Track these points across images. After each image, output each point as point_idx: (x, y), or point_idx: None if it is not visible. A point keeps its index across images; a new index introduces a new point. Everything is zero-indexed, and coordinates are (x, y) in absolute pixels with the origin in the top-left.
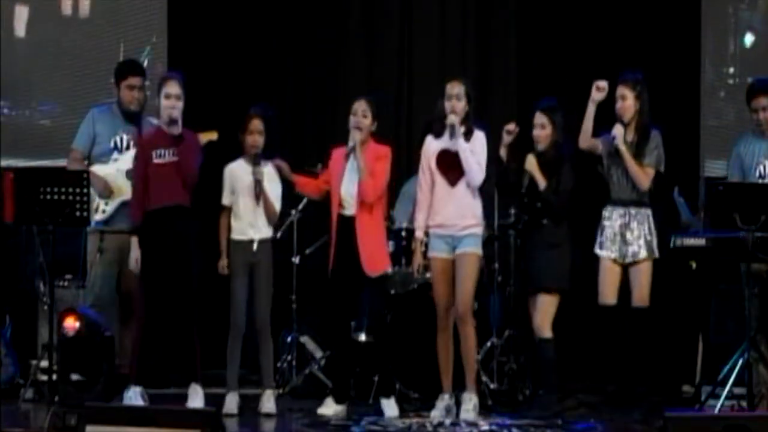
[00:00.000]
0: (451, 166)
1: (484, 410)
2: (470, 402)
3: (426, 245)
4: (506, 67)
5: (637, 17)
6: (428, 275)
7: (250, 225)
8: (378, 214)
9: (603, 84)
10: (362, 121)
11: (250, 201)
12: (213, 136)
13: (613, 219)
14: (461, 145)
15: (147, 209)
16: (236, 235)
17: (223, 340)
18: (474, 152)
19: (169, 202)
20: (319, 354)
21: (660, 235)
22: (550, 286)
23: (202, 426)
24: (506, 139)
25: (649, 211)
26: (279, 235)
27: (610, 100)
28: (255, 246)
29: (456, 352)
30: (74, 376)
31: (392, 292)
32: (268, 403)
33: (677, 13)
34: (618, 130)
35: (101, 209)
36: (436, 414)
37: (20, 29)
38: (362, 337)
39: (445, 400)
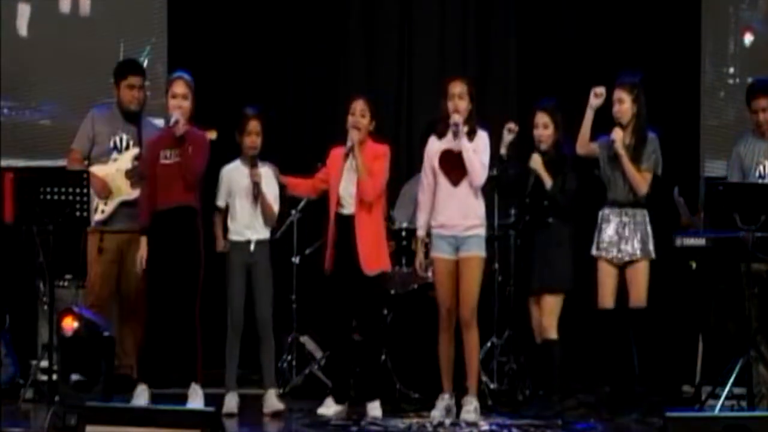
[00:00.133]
0: (453, 166)
1: (484, 410)
2: (471, 405)
3: (426, 245)
4: (506, 67)
5: (637, 17)
6: (429, 275)
7: (247, 226)
8: (377, 214)
9: (601, 90)
10: (360, 121)
11: (248, 203)
12: (212, 135)
13: (610, 221)
14: (464, 145)
15: (154, 210)
16: (233, 236)
17: (223, 340)
18: (477, 151)
19: (175, 202)
20: (319, 354)
21: (659, 235)
22: (556, 286)
23: (202, 426)
24: (507, 137)
25: (645, 212)
26: (279, 235)
27: (608, 103)
28: (252, 247)
29: (457, 352)
30: (74, 376)
31: (392, 292)
32: (272, 400)
33: (677, 13)
34: (617, 134)
35: (100, 209)
36: (436, 414)
37: (22, 28)
38: (356, 337)
39: (445, 400)
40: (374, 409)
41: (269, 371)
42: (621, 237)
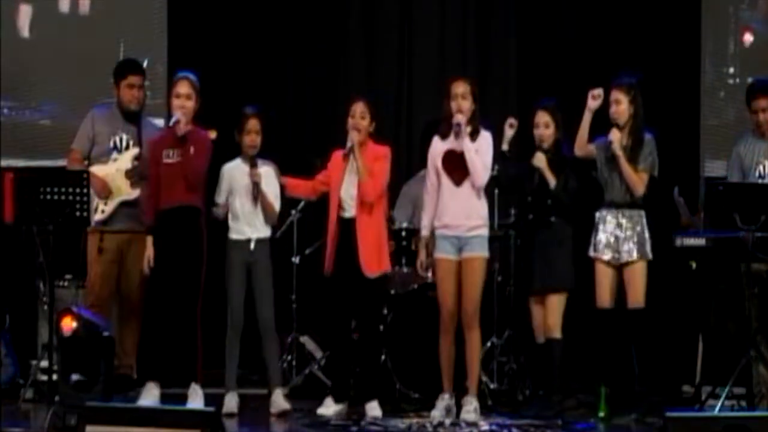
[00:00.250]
0: (456, 166)
1: (484, 410)
2: (471, 405)
3: (427, 246)
4: (506, 67)
5: (637, 17)
6: (429, 275)
7: (247, 224)
8: (378, 215)
9: (598, 92)
10: (360, 123)
11: (248, 201)
12: (212, 135)
13: (607, 222)
14: (466, 145)
15: (157, 209)
16: (234, 235)
17: (223, 340)
18: (480, 152)
19: (177, 202)
20: (319, 354)
21: (659, 235)
22: (560, 285)
23: (202, 426)
24: (509, 132)
25: (642, 213)
26: (279, 235)
27: (605, 104)
28: (252, 245)
29: (457, 352)
30: (74, 377)
31: (392, 292)
32: (279, 400)
33: (677, 13)
34: (615, 135)
35: (100, 209)
36: (436, 414)
37: (24, 29)
38: (356, 337)
39: (445, 400)
40: (374, 409)
41: (275, 370)
42: (618, 238)
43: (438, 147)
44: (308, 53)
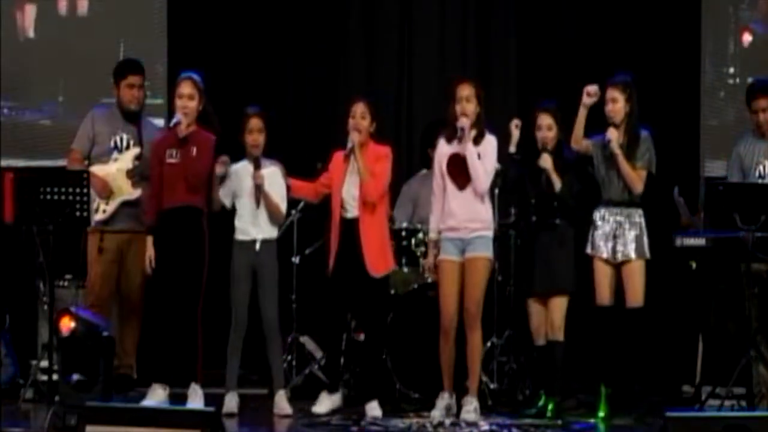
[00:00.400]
0: (460, 170)
1: (484, 410)
2: (471, 405)
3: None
4: (506, 67)
5: (637, 17)
6: (428, 276)
7: (252, 225)
8: (381, 215)
9: (592, 89)
10: (361, 123)
11: (251, 202)
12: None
13: (605, 220)
14: (469, 150)
15: (159, 209)
16: (239, 236)
17: (223, 340)
18: (483, 156)
19: (179, 202)
20: (319, 354)
21: (659, 235)
22: (563, 287)
23: (202, 426)
24: (516, 134)
25: (641, 212)
26: (279, 235)
27: (600, 102)
28: (258, 246)
29: (458, 352)
30: (74, 377)
31: (392, 292)
32: (283, 403)
33: (677, 13)
34: (612, 134)
35: (101, 209)
36: (436, 414)
37: (29, 29)
38: (356, 337)
39: (445, 399)
40: (374, 409)
41: (278, 372)
42: (616, 237)
43: (443, 150)
44: (308, 53)
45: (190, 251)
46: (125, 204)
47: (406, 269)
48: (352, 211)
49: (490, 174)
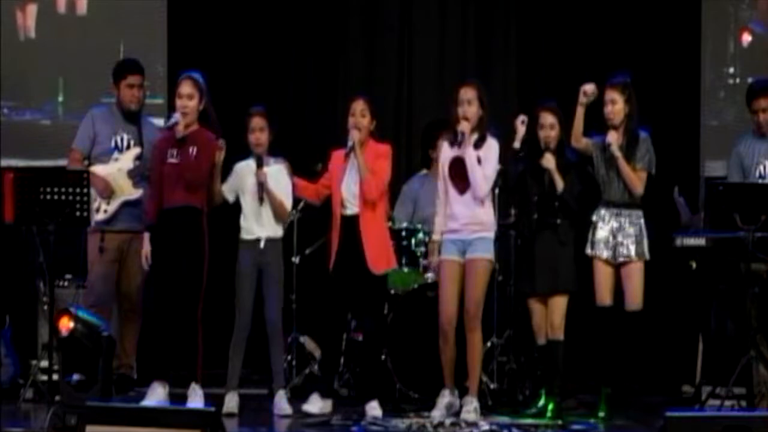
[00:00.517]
0: (460, 174)
1: (484, 410)
2: (471, 405)
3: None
4: (506, 67)
5: (638, 17)
6: (430, 275)
7: (256, 224)
8: (381, 213)
9: (589, 88)
10: (361, 121)
11: (255, 200)
12: None
13: (605, 221)
14: (468, 154)
15: (160, 208)
16: (244, 235)
17: (223, 339)
18: (484, 160)
19: (178, 202)
20: (318, 354)
21: (659, 235)
22: (564, 287)
23: (202, 426)
24: (521, 130)
25: (640, 213)
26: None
27: (597, 102)
28: (262, 244)
29: (458, 352)
30: (74, 377)
31: (392, 292)
32: (282, 404)
33: (677, 13)
34: (612, 137)
35: (103, 209)
36: (437, 414)
37: (32, 29)
38: (360, 337)
39: (446, 397)
40: (374, 409)
41: (279, 372)
42: (616, 238)
43: (446, 154)
44: (308, 53)
45: (189, 251)
46: (126, 204)
47: (406, 269)
48: (352, 208)
49: (489, 179)
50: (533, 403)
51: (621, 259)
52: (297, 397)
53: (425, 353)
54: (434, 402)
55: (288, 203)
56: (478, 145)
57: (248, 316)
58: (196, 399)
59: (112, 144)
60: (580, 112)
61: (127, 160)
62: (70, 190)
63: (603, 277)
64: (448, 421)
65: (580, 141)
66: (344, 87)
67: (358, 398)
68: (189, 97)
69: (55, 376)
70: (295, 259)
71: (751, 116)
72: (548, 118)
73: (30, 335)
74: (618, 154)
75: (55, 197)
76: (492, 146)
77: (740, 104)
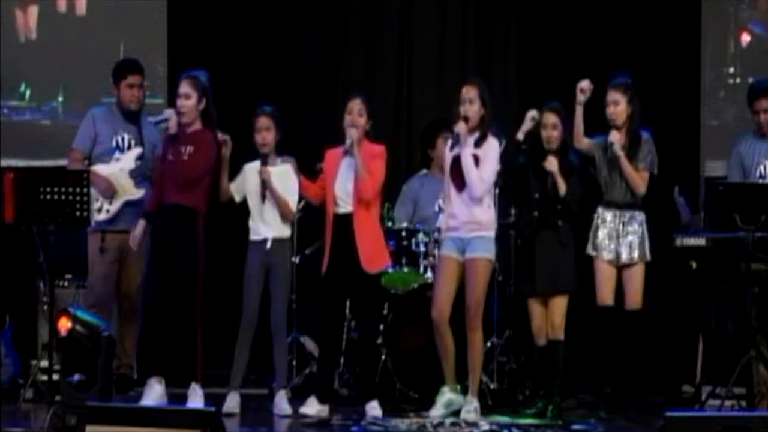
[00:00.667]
0: (459, 173)
1: (484, 410)
2: (471, 404)
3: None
4: (506, 67)
5: (638, 17)
6: (428, 276)
7: (263, 224)
8: (374, 212)
9: (585, 85)
10: (358, 120)
11: (260, 200)
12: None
13: (607, 221)
14: (465, 155)
15: (160, 203)
16: (252, 236)
17: (223, 339)
18: (483, 159)
19: (172, 201)
20: (318, 354)
21: (659, 235)
22: (565, 287)
23: (202, 426)
24: (528, 124)
25: (642, 213)
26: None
27: (598, 102)
28: (269, 244)
29: (458, 352)
30: (74, 377)
31: (392, 292)
32: (283, 404)
33: (677, 13)
34: (615, 137)
35: (105, 209)
36: (437, 413)
37: (33, 30)
38: (355, 336)
39: (446, 394)
40: (374, 409)
41: (281, 373)
42: (617, 238)
43: (448, 153)
44: (308, 53)
45: (183, 251)
46: (128, 204)
47: (406, 269)
48: (345, 206)
49: (486, 179)
50: (533, 403)
51: (623, 261)
52: (297, 397)
53: (425, 353)
54: (434, 401)
55: (293, 203)
56: (478, 143)
57: (255, 315)
58: (196, 399)
59: (113, 144)
60: (579, 111)
61: (128, 160)
62: (70, 190)
63: (605, 277)
64: (448, 421)
65: (581, 141)
66: (344, 87)
67: (358, 398)
68: (186, 96)
69: (55, 376)
70: (295, 259)
71: (752, 116)
72: (551, 118)
73: (30, 335)
74: (620, 154)
75: (55, 197)
76: (492, 145)
77: (740, 104)
